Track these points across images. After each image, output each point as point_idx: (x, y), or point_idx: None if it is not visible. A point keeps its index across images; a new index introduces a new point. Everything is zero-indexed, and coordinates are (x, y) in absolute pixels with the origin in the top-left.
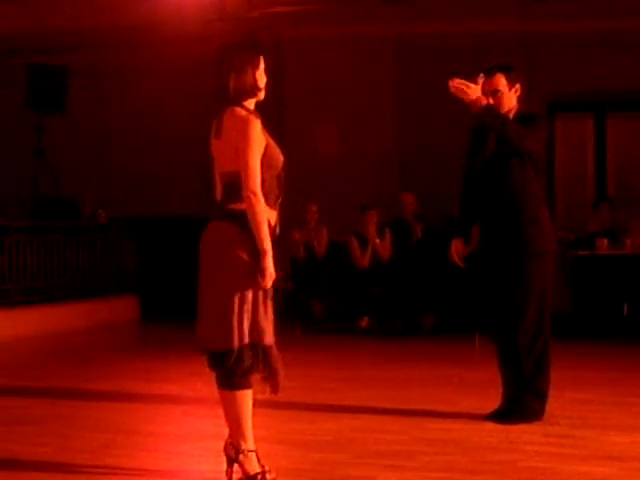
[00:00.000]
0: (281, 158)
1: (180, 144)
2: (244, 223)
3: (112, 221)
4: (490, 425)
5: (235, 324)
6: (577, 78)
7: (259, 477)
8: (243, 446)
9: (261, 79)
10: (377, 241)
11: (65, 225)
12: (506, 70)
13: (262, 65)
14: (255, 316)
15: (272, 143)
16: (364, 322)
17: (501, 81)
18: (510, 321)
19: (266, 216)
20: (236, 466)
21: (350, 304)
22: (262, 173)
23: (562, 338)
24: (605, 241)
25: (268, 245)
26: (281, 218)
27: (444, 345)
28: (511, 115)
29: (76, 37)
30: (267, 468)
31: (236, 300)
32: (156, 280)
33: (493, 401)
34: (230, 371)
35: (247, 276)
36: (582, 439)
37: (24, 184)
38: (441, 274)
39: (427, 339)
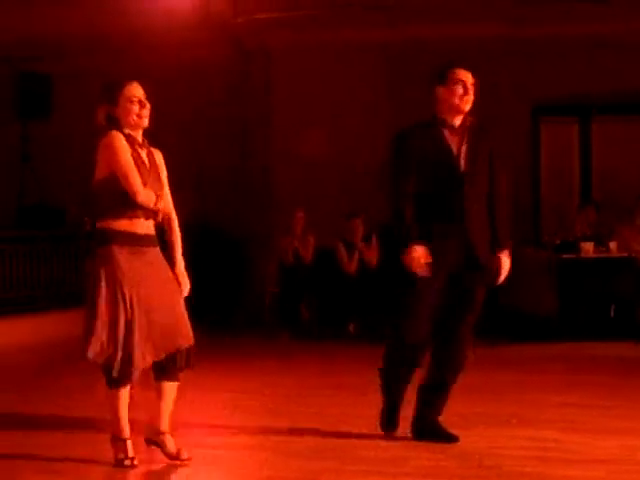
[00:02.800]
0: (149, 182)
1: (166, 151)
2: (102, 239)
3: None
4: (477, 430)
5: None
6: (562, 82)
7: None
8: None
9: (124, 111)
10: (363, 247)
11: (50, 234)
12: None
13: (124, 96)
14: None
15: (141, 166)
16: (352, 328)
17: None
18: None
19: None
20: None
21: (338, 310)
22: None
23: (548, 341)
24: (590, 245)
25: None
26: (269, 225)
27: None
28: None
29: (61, 44)
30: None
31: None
32: None
33: (480, 406)
34: None
35: None
36: (569, 443)
37: (9, 192)
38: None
39: None
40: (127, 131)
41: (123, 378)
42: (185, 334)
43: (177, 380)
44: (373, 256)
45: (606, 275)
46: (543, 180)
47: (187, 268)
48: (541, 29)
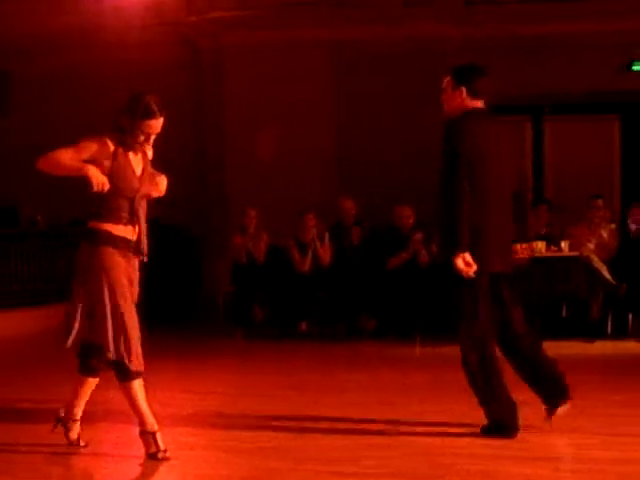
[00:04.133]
0: (134, 186)
1: None
2: (93, 239)
3: (51, 227)
4: (429, 429)
5: None
6: (515, 81)
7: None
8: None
9: (135, 133)
10: (317, 244)
11: (3, 232)
12: (453, 71)
13: (147, 126)
14: None
15: (124, 167)
16: (304, 326)
17: (446, 80)
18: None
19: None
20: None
21: (291, 309)
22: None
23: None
24: (543, 244)
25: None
26: (225, 223)
27: (385, 348)
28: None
29: (20, 42)
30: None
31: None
32: None
33: (434, 404)
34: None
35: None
36: (520, 441)
37: None
38: (381, 278)
39: (368, 342)
40: (124, 140)
41: (139, 370)
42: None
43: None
44: (326, 255)
45: (558, 275)
46: None
47: (140, 266)
48: (491, 29)
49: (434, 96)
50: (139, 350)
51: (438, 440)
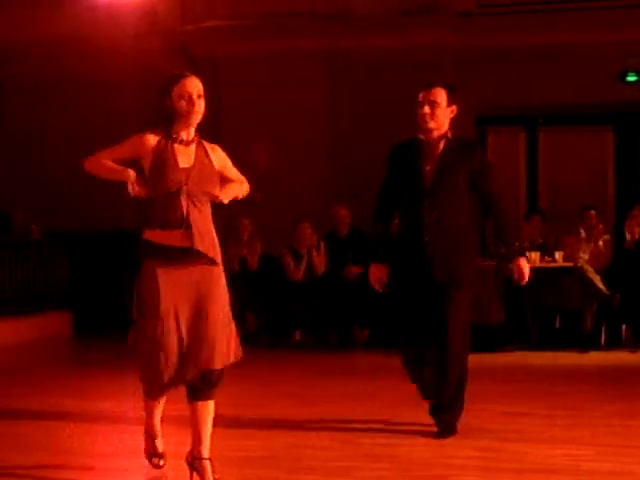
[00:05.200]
0: (178, 178)
1: None
2: (144, 251)
3: (45, 236)
4: (424, 440)
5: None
6: (509, 92)
7: None
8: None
9: (176, 106)
10: (314, 253)
11: None
12: (449, 88)
13: (177, 92)
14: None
15: (165, 161)
16: (298, 336)
17: (441, 94)
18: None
19: (104, 165)
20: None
21: (284, 318)
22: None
23: (494, 351)
24: (536, 254)
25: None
26: (217, 232)
27: (378, 358)
28: (450, 135)
29: (10, 49)
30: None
31: None
32: (90, 296)
33: (426, 415)
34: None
35: None
36: (513, 452)
37: None
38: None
39: (361, 352)
40: (170, 130)
41: (165, 389)
42: (222, 353)
43: (211, 398)
44: (321, 263)
45: (552, 285)
46: None
47: (131, 276)
48: (488, 39)
49: None
50: (158, 373)
51: (432, 450)
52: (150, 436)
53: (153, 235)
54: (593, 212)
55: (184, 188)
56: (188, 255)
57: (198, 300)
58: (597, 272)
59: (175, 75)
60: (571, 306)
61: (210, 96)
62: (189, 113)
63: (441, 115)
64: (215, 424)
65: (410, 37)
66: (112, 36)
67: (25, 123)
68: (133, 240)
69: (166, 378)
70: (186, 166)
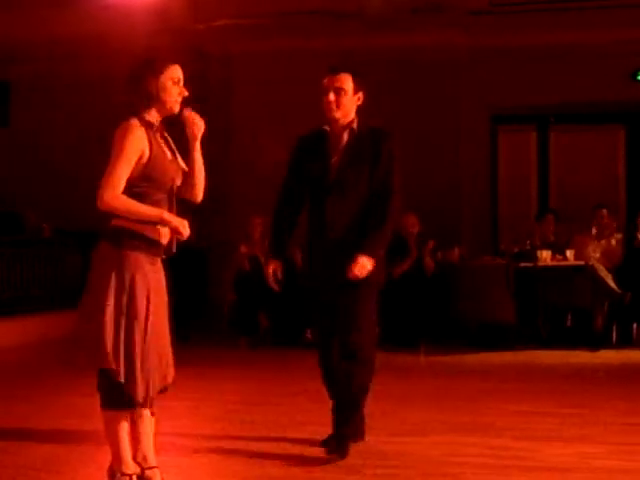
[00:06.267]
0: (170, 174)
1: None
2: (118, 240)
3: (56, 235)
4: (434, 438)
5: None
6: (520, 91)
7: None
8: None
9: (163, 89)
10: None
11: (8, 239)
12: (354, 73)
13: (168, 75)
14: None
15: (161, 156)
16: (309, 334)
17: (347, 81)
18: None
19: (133, 204)
20: None
21: (296, 317)
22: (139, 183)
23: (505, 349)
24: (548, 253)
25: (155, 212)
26: (228, 232)
27: (390, 357)
28: (354, 125)
29: (20, 50)
30: None
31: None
32: None
33: (439, 413)
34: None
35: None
36: (525, 451)
37: None
38: (386, 286)
39: None
40: (150, 117)
41: (142, 400)
42: (172, 365)
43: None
44: None
45: (563, 284)
46: (501, 189)
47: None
48: (498, 38)
49: (439, 104)
50: (149, 377)
51: (443, 448)
52: (125, 474)
53: (142, 229)
54: (605, 211)
55: (174, 187)
56: (162, 251)
57: (162, 297)
58: (608, 270)
59: (166, 57)
60: (582, 304)
61: (222, 94)
62: (176, 100)
63: (347, 103)
64: (225, 423)
65: (421, 36)
66: (124, 35)
67: (37, 123)
68: None
69: (155, 385)
70: (168, 158)
